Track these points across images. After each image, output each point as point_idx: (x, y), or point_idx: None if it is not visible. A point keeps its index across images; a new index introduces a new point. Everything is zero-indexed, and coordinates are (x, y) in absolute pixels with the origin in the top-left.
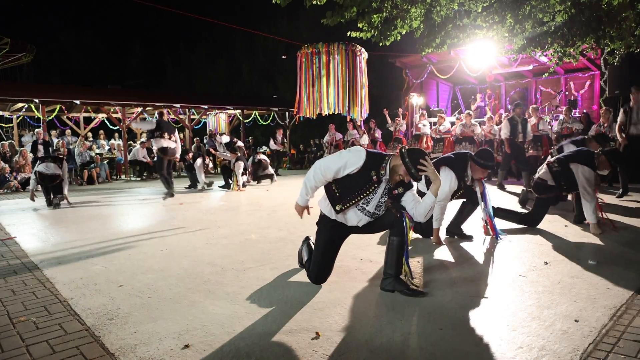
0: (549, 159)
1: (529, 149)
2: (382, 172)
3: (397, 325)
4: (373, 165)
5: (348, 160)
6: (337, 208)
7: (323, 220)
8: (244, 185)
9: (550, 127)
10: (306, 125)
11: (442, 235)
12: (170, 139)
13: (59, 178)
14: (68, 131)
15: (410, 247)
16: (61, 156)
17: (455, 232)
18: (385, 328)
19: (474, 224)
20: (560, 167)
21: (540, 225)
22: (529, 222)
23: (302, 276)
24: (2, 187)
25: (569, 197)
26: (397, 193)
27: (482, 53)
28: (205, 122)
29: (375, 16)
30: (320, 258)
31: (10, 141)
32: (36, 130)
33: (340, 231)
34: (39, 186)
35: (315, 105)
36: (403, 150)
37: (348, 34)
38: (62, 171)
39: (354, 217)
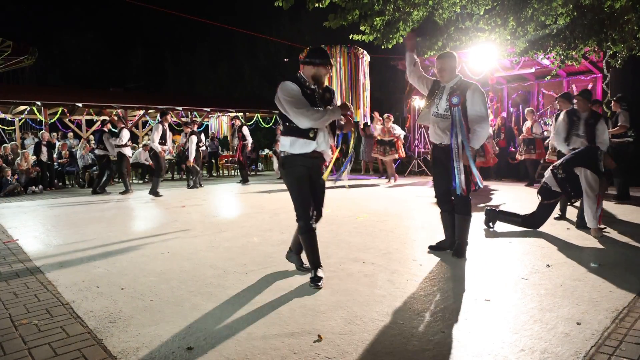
0: (555, 163)
1: (522, 153)
2: (307, 83)
3: (399, 328)
4: (298, 82)
5: (289, 91)
6: (312, 135)
7: (288, 161)
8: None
9: (542, 130)
10: None
11: None
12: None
13: (105, 157)
14: (70, 134)
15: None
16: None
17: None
18: (388, 330)
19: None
20: (565, 174)
21: (543, 228)
22: (531, 225)
23: (305, 279)
24: (4, 189)
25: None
26: (328, 98)
27: (484, 56)
28: (207, 125)
29: (377, 19)
30: (300, 195)
31: (13, 142)
32: (41, 132)
33: (305, 169)
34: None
35: None
36: (301, 59)
37: (350, 36)
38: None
39: (321, 135)
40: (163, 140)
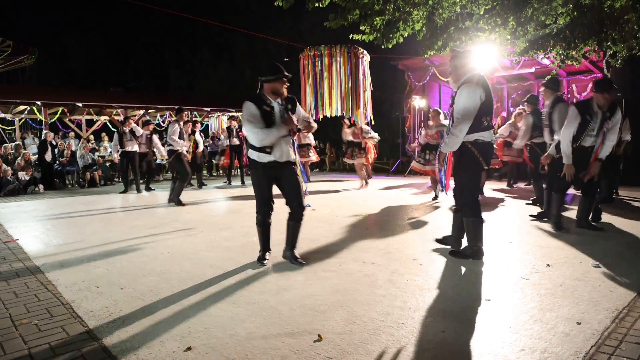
0: None
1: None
2: (268, 100)
3: (399, 328)
4: (259, 102)
5: (250, 113)
6: (268, 150)
7: (254, 165)
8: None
9: None
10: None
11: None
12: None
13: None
14: (72, 134)
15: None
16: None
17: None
18: (388, 330)
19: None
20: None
21: (543, 228)
22: (560, 188)
23: (305, 278)
24: (5, 189)
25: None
26: (289, 108)
27: (484, 55)
28: (207, 125)
29: (377, 19)
30: (260, 194)
31: (17, 142)
32: (45, 132)
33: (268, 173)
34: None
35: (319, 107)
36: (259, 79)
37: (350, 36)
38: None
39: (278, 150)
40: (182, 141)
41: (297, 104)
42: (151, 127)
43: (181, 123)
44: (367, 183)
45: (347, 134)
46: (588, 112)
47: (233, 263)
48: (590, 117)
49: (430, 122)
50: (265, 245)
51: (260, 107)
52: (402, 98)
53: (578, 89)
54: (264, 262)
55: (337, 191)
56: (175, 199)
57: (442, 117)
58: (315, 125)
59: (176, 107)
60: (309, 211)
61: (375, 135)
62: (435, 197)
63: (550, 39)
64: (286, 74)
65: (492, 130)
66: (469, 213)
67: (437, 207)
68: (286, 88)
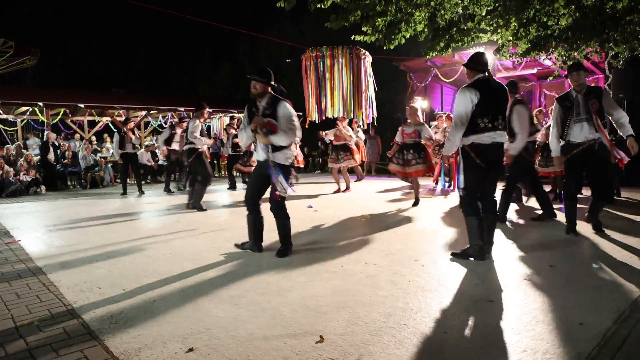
0: None
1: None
2: (258, 103)
3: (401, 329)
4: (251, 105)
5: (243, 115)
6: (253, 148)
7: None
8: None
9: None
10: (311, 127)
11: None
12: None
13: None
14: (77, 135)
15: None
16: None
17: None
18: (390, 331)
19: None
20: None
21: (544, 229)
22: (568, 195)
23: (307, 279)
24: (7, 190)
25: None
26: (268, 113)
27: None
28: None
29: (379, 20)
30: (247, 187)
31: (17, 143)
32: (47, 133)
33: (261, 170)
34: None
35: (321, 108)
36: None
37: (352, 37)
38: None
39: (258, 149)
40: (205, 139)
41: (281, 106)
42: (185, 124)
43: (202, 120)
44: (348, 188)
45: (328, 134)
46: (567, 99)
47: (235, 264)
48: (570, 103)
49: (409, 120)
50: (255, 238)
51: (250, 110)
52: (403, 99)
53: None
54: (242, 249)
55: (338, 192)
56: (196, 204)
57: (420, 113)
58: (291, 135)
59: (192, 106)
60: (311, 212)
61: (354, 135)
62: (416, 203)
63: (552, 40)
64: (252, 76)
65: (499, 131)
66: (469, 212)
67: (438, 208)
68: (253, 89)
